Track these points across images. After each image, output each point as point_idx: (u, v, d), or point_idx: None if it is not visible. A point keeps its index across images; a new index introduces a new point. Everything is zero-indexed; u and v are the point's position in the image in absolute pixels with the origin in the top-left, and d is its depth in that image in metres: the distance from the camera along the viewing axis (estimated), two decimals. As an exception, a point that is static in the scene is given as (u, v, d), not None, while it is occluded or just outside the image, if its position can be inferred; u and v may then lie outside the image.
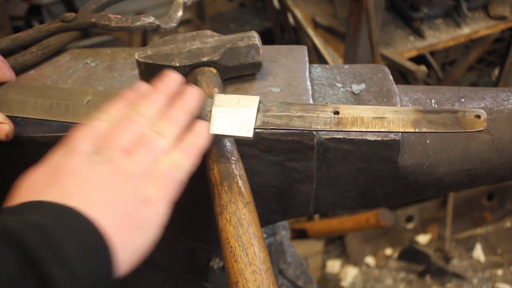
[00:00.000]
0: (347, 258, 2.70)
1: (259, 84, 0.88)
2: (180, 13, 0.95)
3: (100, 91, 0.79)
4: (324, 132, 0.82)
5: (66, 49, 0.98)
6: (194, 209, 0.93)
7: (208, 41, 0.84)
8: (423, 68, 1.94)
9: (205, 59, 0.83)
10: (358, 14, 1.89)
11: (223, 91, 0.82)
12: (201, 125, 0.70)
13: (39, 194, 0.57)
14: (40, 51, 0.93)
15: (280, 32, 2.97)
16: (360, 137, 0.81)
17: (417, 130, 0.68)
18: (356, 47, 1.98)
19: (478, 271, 2.63)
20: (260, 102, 0.73)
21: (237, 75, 0.87)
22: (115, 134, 0.63)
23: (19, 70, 0.90)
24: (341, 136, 0.81)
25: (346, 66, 0.95)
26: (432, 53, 2.42)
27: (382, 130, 0.69)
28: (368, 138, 0.81)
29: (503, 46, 2.54)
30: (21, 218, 0.51)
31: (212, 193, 0.72)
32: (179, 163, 0.65)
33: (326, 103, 0.86)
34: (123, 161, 0.61)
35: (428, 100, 0.90)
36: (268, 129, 0.72)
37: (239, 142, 0.79)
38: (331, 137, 0.81)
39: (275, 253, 1.53)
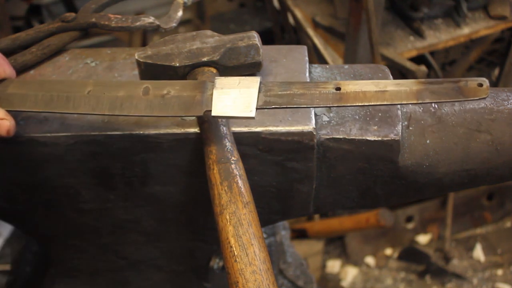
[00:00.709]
0: (347, 258, 2.70)
1: (259, 84, 0.88)
2: (180, 13, 0.95)
3: (100, 81, 0.79)
4: (324, 132, 0.82)
5: (66, 49, 0.98)
6: (194, 209, 0.93)
7: (208, 41, 0.84)
8: (423, 68, 1.94)
9: (205, 59, 0.83)
10: (358, 14, 1.89)
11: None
12: None
13: None
14: (40, 51, 0.93)
15: (280, 32, 2.96)
16: (360, 137, 0.81)
17: (420, 101, 0.68)
18: (356, 47, 1.98)
19: (478, 271, 2.63)
20: (261, 82, 0.72)
21: (237, 75, 0.87)
22: None
23: (19, 70, 0.90)
24: (341, 136, 0.81)
25: (346, 66, 0.95)
26: (432, 53, 2.42)
27: (385, 103, 0.69)
28: (368, 138, 0.81)
29: (503, 46, 2.54)
30: None
31: (212, 193, 0.72)
32: None
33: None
34: None
35: (428, 100, 0.90)
36: (271, 108, 0.71)
37: (239, 142, 0.79)
38: (331, 137, 0.81)
39: (275, 253, 1.53)
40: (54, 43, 0.95)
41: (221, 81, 0.73)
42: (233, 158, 0.73)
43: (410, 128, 0.85)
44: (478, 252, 2.69)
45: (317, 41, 2.16)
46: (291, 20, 2.61)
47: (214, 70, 0.84)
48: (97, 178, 0.87)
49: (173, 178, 0.87)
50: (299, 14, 2.31)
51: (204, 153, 0.76)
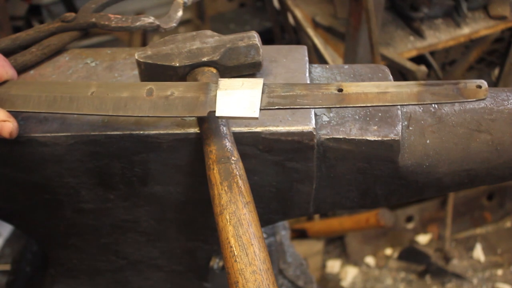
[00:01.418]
0: (347, 258, 2.70)
1: (259, 84, 0.88)
2: (180, 13, 0.95)
3: (104, 83, 0.79)
4: (324, 132, 0.82)
5: (66, 49, 0.98)
6: (194, 209, 0.93)
7: (208, 41, 0.84)
8: (423, 68, 1.94)
9: (205, 59, 0.83)
10: (358, 14, 1.89)
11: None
12: None
13: None
14: (40, 51, 0.93)
15: (280, 32, 2.96)
16: (360, 137, 0.81)
17: (420, 102, 0.70)
18: (356, 47, 1.98)
19: (478, 271, 2.63)
20: (264, 84, 0.73)
21: (237, 75, 0.87)
22: None
23: (19, 70, 0.90)
24: (341, 136, 0.81)
25: (346, 66, 0.95)
26: (432, 53, 2.42)
27: (387, 104, 0.70)
28: (368, 138, 0.81)
29: (503, 46, 2.54)
30: None
31: (212, 193, 0.72)
32: None
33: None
34: None
35: (428, 100, 0.90)
36: (274, 108, 0.72)
37: (239, 142, 0.79)
38: (331, 137, 0.81)
39: (275, 253, 1.53)
40: (54, 43, 0.95)
41: (224, 82, 0.74)
42: (233, 158, 0.73)
43: (410, 128, 0.85)
44: (478, 252, 2.69)
45: (317, 41, 2.16)
46: (291, 20, 2.61)
47: (214, 70, 0.84)
48: (97, 178, 0.87)
49: (173, 178, 0.87)
50: (299, 14, 2.31)
51: (204, 153, 0.76)
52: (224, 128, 0.77)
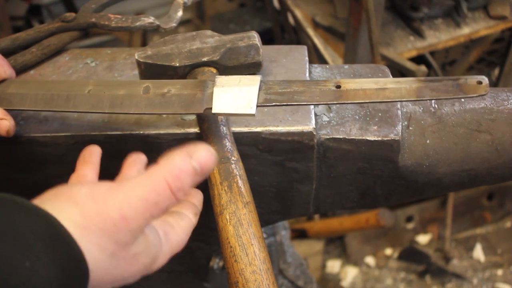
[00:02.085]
0: (347, 258, 2.70)
1: (259, 84, 0.88)
2: (180, 13, 0.95)
3: (101, 81, 0.79)
4: (324, 132, 0.82)
5: (66, 49, 0.98)
6: (194, 209, 0.93)
7: (208, 41, 0.84)
8: (423, 68, 1.94)
9: (205, 59, 0.83)
10: (358, 14, 1.89)
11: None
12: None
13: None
14: (40, 51, 0.93)
15: (280, 32, 2.97)
16: (360, 137, 0.81)
17: (420, 98, 0.68)
18: (356, 47, 1.98)
19: (478, 271, 2.63)
20: (261, 81, 0.73)
21: (237, 75, 0.87)
22: None
23: (19, 70, 0.90)
24: (341, 136, 0.81)
25: (346, 66, 0.94)
26: (432, 53, 2.42)
27: (386, 100, 0.69)
28: (368, 138, 0.81)
29: (503, 46, 2.53)
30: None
31: (212, 193, 0.72)
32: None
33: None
34: None
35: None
36: (271, 105, 0.72)
37: (239, 142, 0.79)
38: (331, 137, 0.81)
39: (275, 253, 1.53)
40: (54, 43, 0.95)
41: (221, 79, 0.73)
42: (233, 158, 0.73)
43: (410, 128, 0.85)
44: (478, 252, 2.69)
45: (317, 41, 2.16)
46: (291, 20, 2.61)
47: (214, 70, 0.84)
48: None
49: (173, 178, 0.87)
50: (299, 14, 2.31)
51: (204, 153, 0.75)
52: (224, 128, 0.77)
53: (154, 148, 0.82)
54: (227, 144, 0.75)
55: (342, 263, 2.70)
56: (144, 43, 3.16)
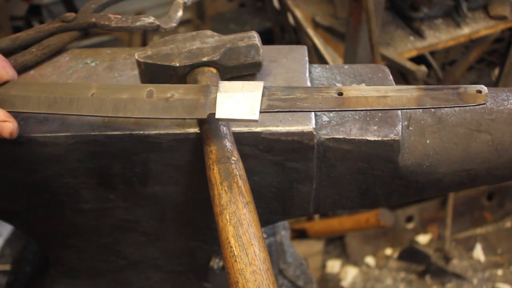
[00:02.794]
0: (347, 258, 2.70)
1: (259, 84, 0.88)
2: (180, 13, 0.95)
3: (104, 85, 0.79)
4: (324, 132, 0.82)
5: (66, 49, 0.98)
6: (194, 209, 0.93)
7: (208, 41, 0.84)
8: (423, 68, 1.94)
9: (205, 59, 0.83)
10: (358, 14, 1.89)
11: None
12: None
13: None
14: (40, 51, 0.93)
15: (280, 32, 2.97)
16: (360, 137, 0.81)
17: (420, 106, 0.70)
18: (356, 47, 1.98)
19: (478, 271, 2.63)
20: (264, 87, 0.73)
21: (237, 75, 0.87)
22: None
23: (19, 70, 0.90)
24: (341, 136, 0.81)
25: (346, 66, 0.95)
26: (432, 53, 2.42)
27: (387, 108, 0.70)
28: (368, 138, 0.81)
29: (503, 46, 2.54)
30: None
31: (212, 193, 0.72)
32: None
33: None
34: None
35: (428, 100, 0.90)
36: (274, 111, 0.72)
37: (239, 142, 0.79)
38: (331, 137, 0.81)
39: (275, 253, 1.53)
40: (54, 43, 0.95)
41: (225, 85, 0.74)
42: (233, 158, 0.73)
43: (410, 128, 0.85)
44: (478, 252, 2.69)
45: (317, 41, 2.16)
46: (291, 20, 2.61)
47: (214, 70, 0.84)
48: (97, 178, 0.87)
49: (173, 178, 0.87)
50: (299, 14, 2.31)
51: (204, 153, 0.76)
52: (224, 128, 0.77)
53: (154, 148, 0.82)
54: (227, 144, 0.75)
55: (342, 263, 2.70)
56: (144, 43, 3.16)
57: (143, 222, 0.96)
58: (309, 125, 0.80)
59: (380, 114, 0.84)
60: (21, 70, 0.91)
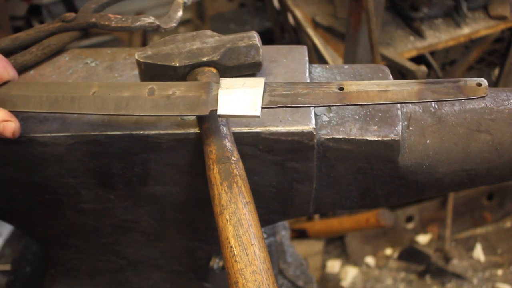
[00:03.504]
0: (347, 258, 2.70)
1: (259, 84, 0.88)
2: (180, 13, 0.95)
3: (105, 83, 0.79)
4: (324, 132, 0.82)
5: (66, 49, 0.98)
6: (194, 209, 0.93)
7: (208, 41, 0.84)
8: (423, 68, 1.94)
9: (205, 59, 0.83)
10: (358, 14, 1.89)
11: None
12: None
13: None
14: (40, 51, 0.93)
15: (280, 32, 2.97)
16: (360, 137, 0.81)
17: (421, 100, 0.70)
18: (356, 47, 1.98)
19: (478, 271, 2.63)
20: (265, 83, 0.73)
21: (237, 75, 0.87)
22: None
23: (19, 70, 0.90)
24: (341, 136, 0.81)
25: (346, 66, 0.95)
26: (432, 53, 2.42)
27: (388, 102, 0.71)
28: (368, 138, 0.81)
29: (503, 46, 2.53)
30: None
31: (212, 193, 0.72)
32: None
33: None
34: None
35: (428, 100, 0.90)
36: (275, 107, 0.72)
37: (239, 142, 0.79)
38: (331, 137, 0.81)
39: (275, 253, 1.53)
40: (54, 43, 0.95)
41: (226, 81, 0.74)
42: (233, 158, 0.73)
43: (410, 128, 0.85)
44: (478, 252, 2.69)
45: (317, 41, 2.16)
46: (291, 20, 2.61)
47: (214, 70, 0.84)
48: (97, 178, 0.87)
49: (173, 178, 0.87)
50: (299, 14, 2.31)
51: (204, 153, 0.76)
52: (224, 128, 0.77)
53: (154, 148, 0.82)
54: (227, 144, 0.75)
55: (342, 263, 2.70)
56: (144, 43, 3.16)
57: (143, 222, 0.96)
58: (309, 125, 0.80)
59: (380, 114, 0.84)
60: (21, 70, 0.91)
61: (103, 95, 0.76)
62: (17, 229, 1.77)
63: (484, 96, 0.69)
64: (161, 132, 0.80)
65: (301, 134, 0.80)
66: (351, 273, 2.65)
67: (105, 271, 1.09)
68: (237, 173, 0.72)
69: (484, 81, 0.69)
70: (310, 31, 2.20)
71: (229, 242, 0.66)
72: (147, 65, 0.83)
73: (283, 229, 1.62)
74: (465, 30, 2.14)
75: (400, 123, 0.83)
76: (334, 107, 0.85)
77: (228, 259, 0.65)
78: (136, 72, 0.90)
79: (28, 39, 0.94)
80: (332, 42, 2.20)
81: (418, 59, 2.18)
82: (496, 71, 2.68)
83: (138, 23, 0.93)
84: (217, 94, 0.73)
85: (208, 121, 0.77)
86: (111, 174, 0.87)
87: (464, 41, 2.17)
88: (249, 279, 0.63)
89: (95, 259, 1.06)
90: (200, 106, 0.74)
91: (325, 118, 0.84)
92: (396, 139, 0.81)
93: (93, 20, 0.94)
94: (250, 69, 0.87)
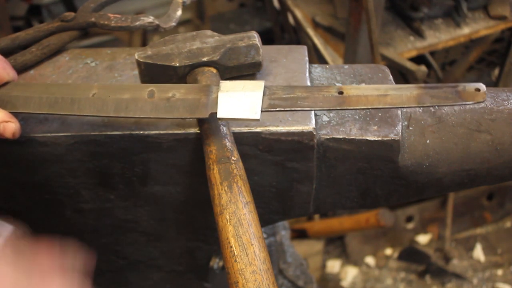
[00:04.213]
0: (347, 258, 2.70)
1: (259, 84, 0.88)
2: (179, 13, 0.95)
3: (105, 85, 0.79)
4: (324, 132, 0.82)
5: (66, 49, 0.98)
6: (194, 209, 0.93)
7: (208, 41, 0.84)
8: (423, 68, 1.94)
9: (205, 59, 0.83)
10: (358, 14, 1.89)
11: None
12: None
13: None
14: (40, 50, 0.93)
15: (280, 32, 2.97)
16: (360, 137, 0.81)
17: (420, 104, 0.70)
18: (356, 47, 1.98)
19: (478, 271, 2.63)
20: (265, 86, 0.73)
21: (237, 75, 0.87)
22: None
23: (19, 70, 0.90)
24: (341, 136, 0.81)
25: (346, 66, 0.94)
26: (432, 53, 2.42)
27: (387, 106, 0.71)
28: (368, 138, 0.81)
29: (503, 46, 2.54)
30: None
31: (212, 193, 0.72)
32: None
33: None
34: None
35: (428, 100, 0.90)
36: (275, 110, 0.73)
37: (239, 142, 0.79)
38: (331, 137, 0.81)
39: (275, 253, 1.53)
40: (54, 43, 0.95)
41: (226, 84, 0.74)
42: (233, 158, 0.73)
43: (410, 128, 0.85)
44: (478, 252, 2.69)
45: (317, 41, 2.17)
46: (291, 20, 2.61)
47: (214, 70, 0.84)
48: (97, 178, 0.87)
49: (173, 178, 0.87)
50: (299, 14, 2.31)
51: (204, 153, 0.76)
52: (224, 128, 0.77)
53: (154, 148, 0.82)
54: (227, 144, 0.75)
55: (342, 263, 2.70)
56: (144, 43, 3.16)
57: (143, 222, 0.96)
58: (309, 125, 0.80)
59: (380, 114, 0.84)
60: (21, 69, 0.91)
61: (103, 97, 0.76)
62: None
63: (482, 102, 0.70)
64: (161, 132, 0.80)
65: (301, 134, 0.80)
66: (351, 273, 2.65)
67: (105, 271, 1.09)
68: (237, 173, 0.72)
69: (482, 86, 0.69)
70: (310, 31, 2.20)
71: (229, 242, 0.66)
72: (147, 65, 0.83)
73: (283, 229, 1.62)
74: (465, 30, 2.14)
75: (400, 123, 0.83)
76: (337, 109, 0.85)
77: (228, 259, 0.65)
78: (136, 72, 0.90)
79: (27, 39, 0.94)
80: (332, 42, 2.20)
81: (418, 59, 2.18)
82: (496, 71, 2.68)
83: (137, 23, 0.93)
84: (217, 97, 0.73)
85: (208, 121, 0.77)
86: (111, 174, 0.87)
87: (464, 41, 2.18)
88: (249, 279, 0.63)
89: (95, 259, 1.06)
90: (200, 109, 0.74)
91: (325, 118, 0.84)
92: (396, 139, 0.81)
93: (93, 19, 0.94)
94: (250, 69, 0.87)
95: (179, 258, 1.05)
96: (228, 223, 0.67)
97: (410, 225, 2.73)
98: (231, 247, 0.65)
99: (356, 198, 0.91)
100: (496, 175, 0.88)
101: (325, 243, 2.64)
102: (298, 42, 2.57)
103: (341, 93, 0.72)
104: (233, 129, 0.79)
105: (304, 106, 0.72)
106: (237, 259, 0.64)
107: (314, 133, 0.80)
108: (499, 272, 2.62)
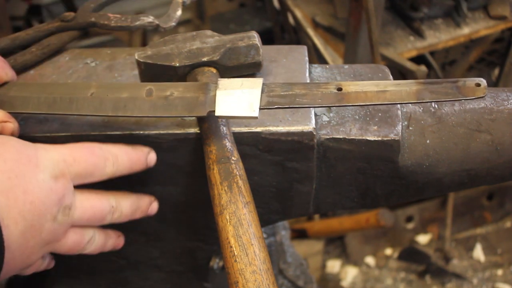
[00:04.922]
0: (347, 258, 2.70)
1: (259, 84, 0.88)
2: (179, 12, 0.95)
3: (103, 84, 0.79)
4: (324, 132, 0.82)
5: (66, 49, 0.98)
6: (194, 209, 0.93)
7: (208, 41, 0.84)
8: (423, 68, 1.94)
9: (205, 59, 0.83)
10: (358, 14, 1.89)
11: (223, 91, 0.82)
12: None
13: None
14: (40, 50, 0.93)
15: (280, 32, 2.97)
16: (360, 137, 0.81)
17: (420, 100, 0.70)
18: (356, 47, 1.98)
19: (478, 271, 2.63)
20: (263, 83, 0.73)
21: (237, 75, 0.87)
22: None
23: (19, 70, 0.90)
24: (341, 136, 0.81)
25: (346, 66, 0.94)
26: (432, 53, 2.42)
27: (386, 102, 0.71)
28: (368, 138, 0.81)
29: (503, 46, 2.54)
30: None
31: (212, 193, 0.72)
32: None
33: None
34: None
35: (428, 100, 0.90)
36: (273, 108, 0.72)
37: (239, 142, 0.79)
38: (331, 137, 0.81)
39: (275, 253, 1.53)
40: (54, 43, 0.95)
41: (224, 82, 0.74)
42: (233, 158, 0.73)
43: (410, 128, 0.85)
44: (478, 252, 2.69)
45: (317, 41, 2.17)
46: (291, 20, 2.61)
47: (214, 70, 0.84)
48: (97, 178, 0.87)
49: (173, 178, 0.87)
50: (299, 14, 2.31)
51: (204, 153, 0.76)
52: (224, 128, 0.77)
53: (154, 148, 0.82)
54: (227, 144, 0.75)
55: (342, 263, 2.70)
56: (144, 43, 3.16)
57: (143, 222, 0.96)
58: (309, 125, 0.80)
59: (380, 114, 0.84)
60: (21, 69, 0.91)
61: (101, 96, 0.76)
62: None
63: (483, 96, 0.69)
64: (161, 132, 0.80)
65: (301, 134, 0.80)
66: (351, 273, 2.65)
67: (105, 271, 1.08)
68: (237, 173, 0.72)
69: (483, 81, 0.69)
70: (310, 31, 2.20)
71: (229, 242, 0.66)
72: (147, 65, 0.83)
73: (283, 229, 1.62)
74: (465, 30, 2.14)
75: (400, 123, 0.83)
76: (334, 107, 0.85)
77: (228, 259, 0.65)
78: (136, 72, 0.90)
79: (27, 39, 0.94)
80: (332, 42, 2.20)
81: (418, 59, 2.18)
82: (496, 71, 2.68)
83: (137, 23, 0.93)
84: (215, 95, 0.73)
85: (208, 121, 0.77)
86: (111, 174, 0.87)
87: (464, 41, 2.18)
88: (249, 279, 0.63)
89: (95, 259, 1.06)
90: (198, 107, 0.74)
91: (325, 118, 0.84)
92: (396, 139, 0.81)
93: (93, 19, 0.94)
94: (250, 69, 0.87)
95: (179, 258, 1.05)
96: (228, 223, 0.67)
97: (410, 225, 2.73)
98: (231, 247, 0.65)
99: (356, 198, 0.91)
100: (496, 175, 0.88)
101: (325, 243, 2.64)
102: (298, 42, 2.57)
103: (340, 89, 0.72)
104: (233, 129, 0.79)
105: (302, 103, 0.71)
106: (237, 259, 0.64)
107: (314, 133, 0.80)
108: (499, 272, 2.62)
